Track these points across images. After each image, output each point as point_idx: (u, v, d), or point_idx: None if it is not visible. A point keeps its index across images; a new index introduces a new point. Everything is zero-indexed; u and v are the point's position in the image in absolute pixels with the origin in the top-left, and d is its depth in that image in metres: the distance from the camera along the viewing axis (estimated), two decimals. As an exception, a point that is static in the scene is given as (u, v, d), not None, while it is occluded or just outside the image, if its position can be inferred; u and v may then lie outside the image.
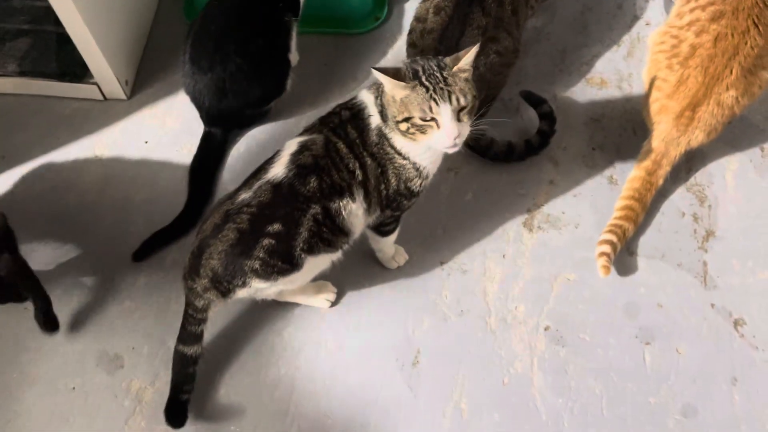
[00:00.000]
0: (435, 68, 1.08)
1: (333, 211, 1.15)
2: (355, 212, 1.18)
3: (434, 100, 1.06)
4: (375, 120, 1.15)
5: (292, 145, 1.17)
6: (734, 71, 1.31)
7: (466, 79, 1.09)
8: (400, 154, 1.16)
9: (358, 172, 1.15)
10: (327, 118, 1.19)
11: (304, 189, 1.12)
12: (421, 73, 1.07)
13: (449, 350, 1.34)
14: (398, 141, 1.15)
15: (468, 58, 1.09)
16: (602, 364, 1.30)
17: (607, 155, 1.53)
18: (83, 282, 1.44)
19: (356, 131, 1.15)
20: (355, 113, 1.17)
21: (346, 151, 1.15)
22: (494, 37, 1.43)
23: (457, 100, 1.07)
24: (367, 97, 1.17)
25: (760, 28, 1.30)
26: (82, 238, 1.49)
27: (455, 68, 1.09)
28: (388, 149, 1.16)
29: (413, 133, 1.09)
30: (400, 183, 1.20)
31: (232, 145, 1.59)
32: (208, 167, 1.53)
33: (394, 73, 1.06)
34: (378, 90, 1.15)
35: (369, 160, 1.16)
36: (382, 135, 1.15)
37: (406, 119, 1.08)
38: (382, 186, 1.19)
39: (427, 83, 1.06)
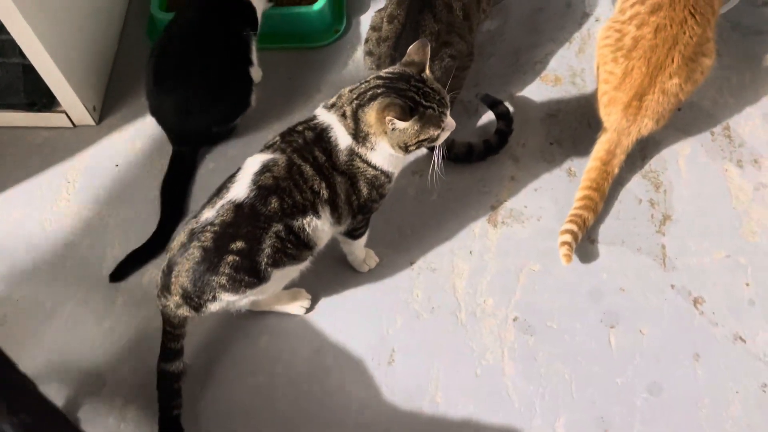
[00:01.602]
0: (420, 85, 1.17)
1: (296, 228, 1.18)
2: (320, 228, 1.21)
3: (442, 113, 1.18)
4: (344, 140, 1.19)
5: (254, 164, 1.19)
6: (676, 60, 1.36)
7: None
8: (373, 166, 1.21)
9: (323, 192, 1.19)
10: (289, 137, 1.22)
11: (265, 209, 1.15)
12: (418, 98, 1.15)
13: (423, 347, 1.38)
14: (375, 157, 1.20)
15: (428, 56, 1.19)
16: (570, 349, 1.35)
17: (564, 149, 1.58)
18: (62, 305, 1.47)
19: (324, 154, 1.19)
20: (318, 134, 1.20)
21: (311, 173, 1.18)
22: (447, 41, 1.48)
23: (448, 99, 1.20)
24: (328, 117, 1.20)
25: (697, 18, 1.36)
26: (59, 262, 1.52)
27: (427, 74, 1.19)
28: (360, 164, 1.21)
29: (419, 147, 1.19)
30: (372, 191, 1.24)
31: (202, 163, 1.63)
32: (179, 186, 1.56)
33: (402, 112, 1.12)
34: (343, 110, 1.19)
35: (339, 178, 1.20)
36: (353, 153, 1.20)
37: (425, 140, 1.17)
38: (353, 197, 1.24)
39: (428, 104, 1.15)
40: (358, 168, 1.20)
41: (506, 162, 1.57)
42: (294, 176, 1.17)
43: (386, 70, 1.21)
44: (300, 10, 1.75)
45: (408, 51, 1.20)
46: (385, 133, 1.15)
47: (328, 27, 1.79)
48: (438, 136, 1.19)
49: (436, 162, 1.26)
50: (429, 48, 1.19)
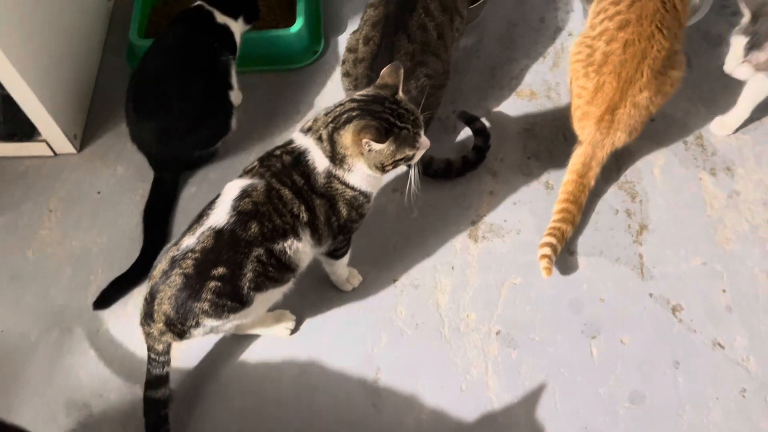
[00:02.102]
0: (395, 106, 1.19)
1: (277, 252, 1.19)
2: (301, 250, 1.23)
3: (417, 133, 1.20)
4: (321, 163, 1.21)
5: (233, 190, 1.20)
6: (645, 74, 1.40)
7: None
8: (351, 187, 1.23)
9: (303, 215, 1.20)
10: (267, 161, 1.23)
11: (245, 234, 1.17)
12: (392, 119, 1.17)
13: (408, 364, 1.39)
14: (353, 178, 1.22)
15: (401, 79, 1.21)
16: (552, 361, 1.36)
17: (541, 162, 1.61)
18: (46, 335, 1.47)
19: (302, 177, 1.21)
20: (296, 157, 1.21)
21: (290, 197, 1.20)
22: (422, 61, 1.51)
23: (421, 120, 1.22)
24: (305, 141, 1.22)
25: (664, 32, 1.39)
26: (42, 291, 1.52)
27: (401, 96, 1.21)
28: (338, 186, 1.22)
29: (395, 166, 1.20)
30: (352, 211, 1.26)
31: (184, 187, 1.64)
32: (161, 211, 1.57)
33: (377, 134, 1.14)
34: (319, 134, 1.20)
35: (317, 201, 1.22)
36: (331, 175, 1.21)
37: (400, 159, 1.19)
38: (333, 219, 1.25)
39: (403, 125, 1.17)
40: (337, 190, 1.22)
41: (485, 177, 1.59)
42: (273, 200, 1.18)
43: (360, 92, 1.23)
44: (278, 32, 1.77)
45: (381, 74, 1.22)
46: (362, 154, 1.17)
47: (306, 48, 1.81)
48: (413, 156, 1.22)
49: (412, 180, 1.28)
50: (402, 70, 1.22)
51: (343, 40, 1.83)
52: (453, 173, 1.57)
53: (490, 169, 1.60)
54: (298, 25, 1.74)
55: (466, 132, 1.65)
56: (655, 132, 1.61)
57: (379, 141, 1.14)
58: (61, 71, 1.66)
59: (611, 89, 1.41)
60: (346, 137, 1.17)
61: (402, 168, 1.35)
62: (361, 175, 1.22)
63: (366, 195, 1.26)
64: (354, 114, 1.17)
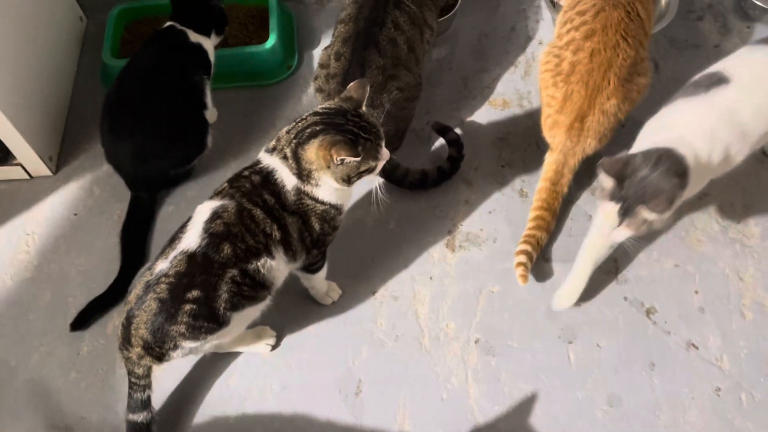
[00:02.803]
0: (357, 119, 1.19)
1: (251, 271, 1.20)
2: (275, 267, 1.23)
3: (378, 145, 1.21)
4: (290, 181, 1.21)
5: (204, 212, 1.21)
6: (612, 82, 1.42)
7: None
8: (321, 202, 1.24)
9: (275, 233, 1.21)
10: (237, 182, 1.23)
11: (218, 256, 1.17)
12: (356, 130, 1.18)
13: (389, 375, 1.40)
14: (321, 192, 1.22)
15: (366, 95, 1.23)
16: (531, 367, 1.38)
17: (515, 170, 1.63)
18: (26, 359, 1.46)
19: (273, 197, 1.21)
20: (264, 177, 1.22)
21: (262, 216, 1.20)
22: (394, 74, 1.52)
23: (382, 132, 1.22)
24: (272, 161, 1.22)
25: (629, 41, 1.42)
26: (21, 315, 1.51)
27: (363, 110, 1.22)
28: (308, 201, 1.23)
29: (360, 178, 1.21)
30: (324, 224, 1.27)
31: (161, 206, 1.64)
32: (139, 231, 1.57)
33: (351, 148, 1.15)
34: (283, 152, 1.21)
35: (290, 219, 1.23)
36: (300, 192, 1.22)
37: (365, 171, 1.20)
38: (306, 234, 1.26)
39: (367, 136, 1.19)
40: (308, 205, 1.23)
41: (460, 187, 1.61)
42: (245, 221, 1.19)
43: (322, 105, 1.24)
44: (252, 48, 1.79)
45: (348, 87, 1.23)
46: (328, 167, 1.18)
47: (280, 64, 1.83)
48: (376, 167, 1.23)
49: (379, 189, 1.30)
50: (368, 87, 1.23)
51: (317, 55, 1.84)
52: (429, 184, 1.59)
53: (465, 178, 1.62)
54: (272, 40, 1.76)
55: (440, 142, 1.67)
56: (626, 137, 1.61)
57: (353, 155, 1.15)
58: (35, 94, 1.65)
59: (579, 98, 1.43)
60: (310, 152, 1.17)
61: (379, 180, 1.36)
62: (328, 188, 1.22)
63: (337, 208, 1.26)
64: (318, 128, 1.18)
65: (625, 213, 1.25)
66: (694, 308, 1.42)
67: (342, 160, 1.16)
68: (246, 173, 1.24)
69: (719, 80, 1.32)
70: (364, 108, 1.22)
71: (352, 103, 1.21)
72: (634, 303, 1.44)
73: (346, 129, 1.17)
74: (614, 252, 1.50)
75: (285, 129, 1.23)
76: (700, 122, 1.30)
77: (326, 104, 1.23)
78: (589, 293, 1.45)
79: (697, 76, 1.38)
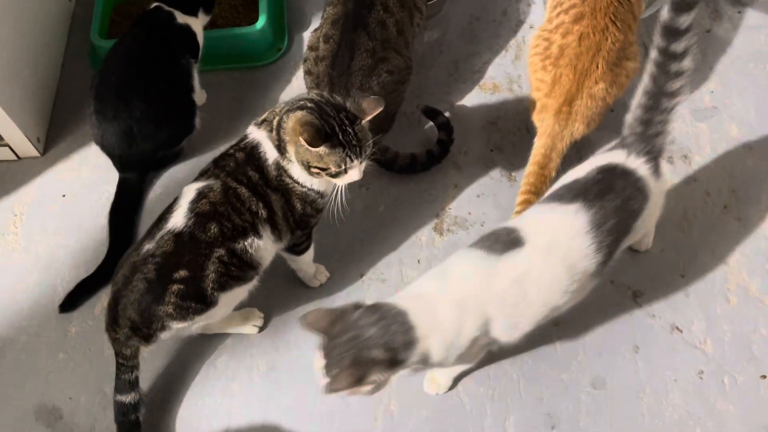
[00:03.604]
0: (347, 122, 1.16)
1: (238, 250, 1.20)
2: (262, 247, 1.24)
3: (349, 157, 1.17)
4: (271, 154, 1.21)
5: (189, 192, 1.21)
6: (600, 66, 1.42)
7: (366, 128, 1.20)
8: (297, 183, 1.23)
9: (261, 211, 1.21)
10: (221, 161, 1.24)
11: (204, 236, 1.17)
12: (337, 129, 1.15)
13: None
14: (295, 171, 1.21)
15: (373, 114, 1.18)
16: (516, 350, 1.39)
17: (504, 155, 1.63)
18: (15, 340, 1.46)
19: (257, 172, 1.21)
20: (249, 153, 1.22)
21: (248, 194, 1.20)
22: (384, 57, 1.52)
23: (365, 153, 1.18)
24: (258, 134, 1.22)
25: (618, 24, 1.42)
26: (9, 296, 1.52)
27: (363, 122, 1.18)
28: (287, 180, 1.23)
29: (319, 174, 1.18)
30: (306, 206, 1.27)
31: (150, 188, 1.64)
32: (127, 213, 1.57)
33: (315, 135, 1.12)
34: (271, 125, 1.21)
35: (273, 196, 1.22)
36: (279, 167, 1.22)
37: (322, 169, 1.17)
38: (289, 214, 1.26)
39: (343, 141, 1.15)
40: (287, 184, 1.22)
41: (449, 170, 1.62)
42: (231, 199, 1.19)
43: (329, 94, 1.22)
44: (242, 30, 1.78)
45: (366, 99, 1.19)
46: (295, 144, 1.17)
47: (270, 46, 1.82)
48: (337, 175, 1.18)
49: (341, 194, 1.25)
50: (381, 108, 1.19)
51: (307, 36, 1.83)
52: (418, 167, 1.59)
53: (454, 162, 1.62)
54: (261, 22, 1.75)
55: (430, 126, 1.66)
56: (614, 122, 1.61)
57: (313, 143, 1.12)
58: (23, 74, 1.64)
59: (568, 81, 1.43)
60: (291, 121, 1.17)
61: (370, 166, 1.35)
62: (298, 168, 1.20)
63: (317, 192, 1.26)
64: (308, 105, 1.17)
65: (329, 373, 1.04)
66: (679, 292, 1.43)
67: (305, 141, 1.13)
68: (231, 151, 1.24)
69: (514, 241, 1.14)
70: (364, 122, 1.19)
71: (356, 109, 1.18)
72: (619, 286, 1.45)
73: (329, 122, 1.15)
74: (601, 236, 1.51)
75: (281, 104, 1.23)
76: (475, 291, 1.11)
77: (333, 97, 1.21)
78: (575, 277, 1.46)
79: (497, 228, 1.21)
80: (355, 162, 1.18)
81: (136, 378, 1.29)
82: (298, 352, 1.42)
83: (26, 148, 1.66)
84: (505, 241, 1.16)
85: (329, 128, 1.15)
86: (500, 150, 1.64)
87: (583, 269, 1.16)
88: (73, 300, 1.47)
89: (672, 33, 1.19)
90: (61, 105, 1.78)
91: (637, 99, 1.27)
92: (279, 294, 1.47)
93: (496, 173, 1.61)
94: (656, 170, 1.24)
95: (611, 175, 1.21)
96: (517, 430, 1.31)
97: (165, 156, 1.63)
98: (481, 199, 1.58)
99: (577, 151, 1.60)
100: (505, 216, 1.50)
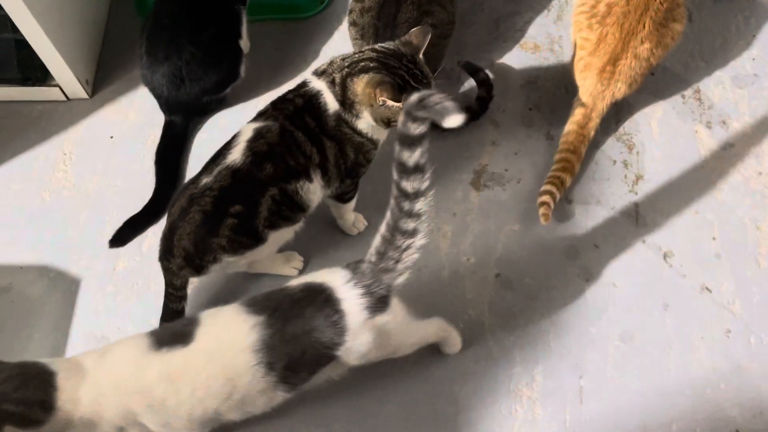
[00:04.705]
0: (411, 66, 1.20)
1: (290, 191, 1.24)
2: (312, 190, 1.28)
3: None
4: (333, 106, 1.25)
5: (247, 131, 1.24)
6: (647, 25, 1.43)
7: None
8: (359, 133, 1.27)
9: (314, 156, 1.25)
10: (280, 104, 1.27)
11: (260, 174, 1.21)
12: (406, 77, 1.18)
13: (410, 304, 1.46)
14: (361, 124, 1.25)
15: (425, 44, 1.21)
16: (547, 302, 1.43)
17: (543, 114, 1.65)
18: (66, 271, 1.53)
19: (314, 119, 1.24)
20: (308, 100, 1.25)
21: (303, 138, 1.24)
22: (428, 11, 1.53)
23: (433, 84, 1.22)
24: (318, 84, 1.25)
25: (667, -16, 1.42)
26: (59, 232, 1.58)
27: (420, 58, 1.21)
28: (347, 130, 1.26)
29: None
30: (359, 155, 1.30)
31: (195, 133, 1.68)
32: (172, 154, 1.62)
33: (393, 92, 1.15)
34: (332, 77, 1.24)
35: (328, 143, 1.26)
36: (340, 119, 1.25)
37: None
38: (341, 161, 1.30)
39: (416, 86, 1.19)
40: (345, 134, 1.26)
41: (488, 127, 1.64)
42: (287, 142, 1.23)
43: (382, 44, 1.25)
44: (286, -19, 1.79)
45: (410, 32, 1.24)
46: (371, 105, 1.21)
47: (314, -2, 1.83)
48: None
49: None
50: (429, 35, 1.22)
51: (350, -9, 1.85)
52: (457, 123, 1.62)
53: (492, 119, 1.64)
54: (306, -27, 1.76)
55: (469, 83, 1.68)
56: (654, 85, 1.64)
57: (395, 99, 1.16)
58: (73, 15, 1.68)
59: (614, 40, 1.44)
60: (359, 85, 1.20)
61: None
62: (368, 122, 1.26)
63: (373, 141, 1.30)
64: (371, 65, 1.20)
65: None
66: (710, 254, 1.46)
67: (383, 102, 1.18)
68: (290, 96, 1.27)
69: (184, 336, 1.08)
70: (421, 56, 1.22)
71: (410, 49, 1.22)
72: (651, 246, 1.48)
73: (398, 73, 1.19)
74: (634, 197, 1.53)
75: (340, 56, 1.25)
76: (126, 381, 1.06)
77: (386, 44, 1.24)
78: (606, 235, 1.49)
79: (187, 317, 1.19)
80: None
81: (183, 309, 1.35)
82: (334, 295, 1.48)
83: (75, 89, 1.71)
84: (178, 332, 1.10)
85: (400, 79, 1.18)
86: (538, 109, 1.66)
87: (247, 385, 1.07)
88: (121, 236, 1.52)
89: (402, 168, 1.07)
90: (108, 50, 1.81)
91: (382, 226, 1.13)
92: (319, 240, 1.51)
93: (534, 132, 1.63)
94: (376, 307, 1.11)
95: (312, 298, 1.10)
96: (545, 377, 1.36)
97: (210, 102, 1.66)
98: (519, 156, 1.60)
99: (616, 113, 1.61)
100: (541, 174, 1.53)
